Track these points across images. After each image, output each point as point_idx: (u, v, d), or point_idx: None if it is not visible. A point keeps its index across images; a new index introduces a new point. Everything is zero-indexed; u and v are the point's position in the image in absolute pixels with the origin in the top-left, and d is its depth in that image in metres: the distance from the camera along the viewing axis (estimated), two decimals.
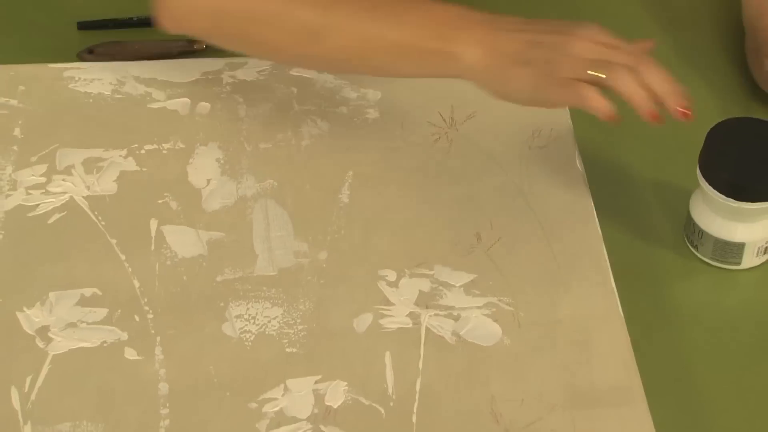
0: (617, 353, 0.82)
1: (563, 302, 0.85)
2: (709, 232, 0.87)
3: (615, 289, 0.85)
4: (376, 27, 0.85)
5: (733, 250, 0.86)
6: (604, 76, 0.79)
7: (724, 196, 0.84)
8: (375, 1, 0.86)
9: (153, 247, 0.89)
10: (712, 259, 0.88)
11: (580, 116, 0.96)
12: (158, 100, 1.00)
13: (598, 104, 0.79)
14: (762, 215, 0.85)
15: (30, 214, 0.91)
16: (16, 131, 0.97)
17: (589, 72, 0.79)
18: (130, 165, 0.95)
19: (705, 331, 0.85)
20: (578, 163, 0.94)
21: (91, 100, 0.99)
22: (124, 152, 0.95)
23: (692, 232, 0.88)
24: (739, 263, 0.87)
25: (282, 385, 0.80)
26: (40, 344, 0.83)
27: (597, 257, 0.88)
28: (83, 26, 1.08)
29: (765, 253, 0.87)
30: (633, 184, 0.94)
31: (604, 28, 0.82)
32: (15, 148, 0.96)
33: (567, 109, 0.97)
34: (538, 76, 0.81)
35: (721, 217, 0.86)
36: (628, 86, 0.79)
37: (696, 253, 0.89)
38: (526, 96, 0.82)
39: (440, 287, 0.86)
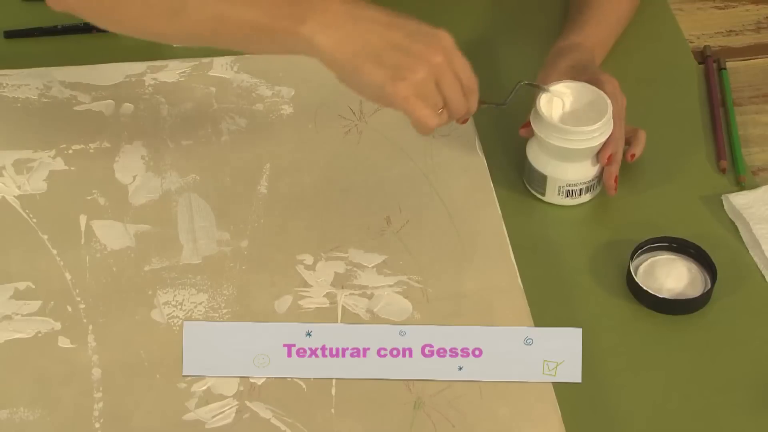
0: (517, 322, 0.86)
1: (467, 277, 0.90)
2: (528, 159, 0.96)
3: (515, 263, 0.90)
4: (231, 5, 0.83)
5: (537, 179, 0.96)
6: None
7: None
8: None
9: (83, 241, 0.92)
10: (527, 183, 0.97)
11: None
12: (84, 103, 1.02)
13: (428, 126, 0.83)
14: (566, 157, 0.94)
15: None
16: None
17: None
18: (59, 165, 0.98)
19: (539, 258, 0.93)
20: (478, 149, 0.99)
21: (19, 105, 1.02)
22: (52, 153, 0.98)
23: (524, 168, 0.98)
24: (543, 194, 0.96)
25: None
26: None
27: (497, 235, 0.92)
28: (10, 35, 1.11)
29: (568, 195, 0.96)
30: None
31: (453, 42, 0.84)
32: None
33: None
34: (387, 79, 0.81)
35: (542, 151, 0.95)
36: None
37: (524, 181, 0.98)
38: (370, 93, 0.83)
39: (354, 268, 0.90)
